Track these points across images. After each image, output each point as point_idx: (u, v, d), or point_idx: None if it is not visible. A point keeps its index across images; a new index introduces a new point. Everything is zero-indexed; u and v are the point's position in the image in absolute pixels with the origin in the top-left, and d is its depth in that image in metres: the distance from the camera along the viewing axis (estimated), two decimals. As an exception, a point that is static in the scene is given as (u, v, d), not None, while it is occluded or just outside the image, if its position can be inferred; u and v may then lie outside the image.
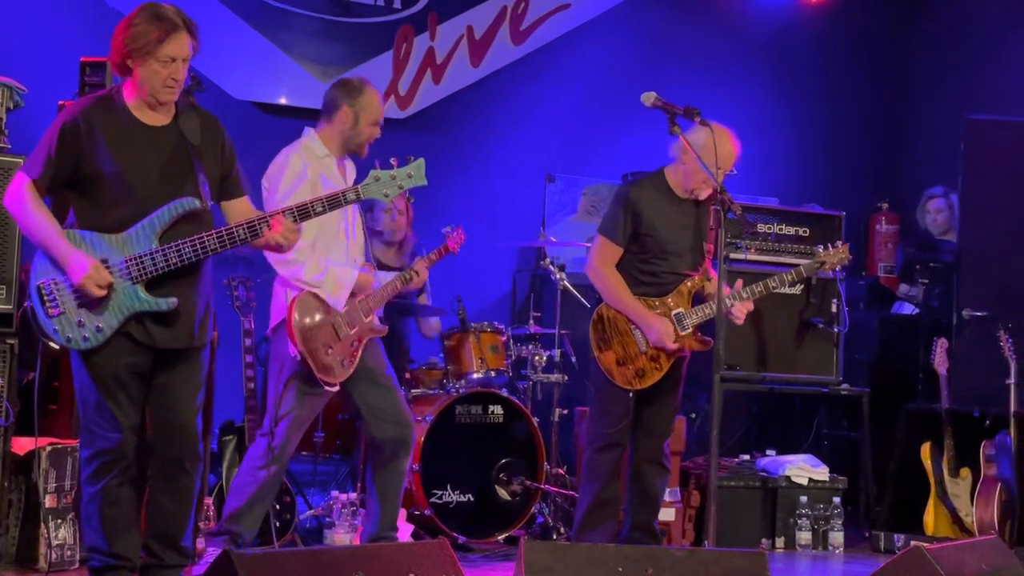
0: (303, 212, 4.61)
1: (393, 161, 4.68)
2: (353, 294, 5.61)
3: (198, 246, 4.48)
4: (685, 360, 6.04)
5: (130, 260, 4.46)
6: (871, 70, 10.11)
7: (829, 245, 6.22)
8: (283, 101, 8.28)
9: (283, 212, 4.60)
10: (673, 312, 5.92)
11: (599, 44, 9.25)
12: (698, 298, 6.00)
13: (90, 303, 4.44)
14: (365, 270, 5.71)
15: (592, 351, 5.98)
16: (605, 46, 9.28)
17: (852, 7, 9.97)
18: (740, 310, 5.93)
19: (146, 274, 4.47)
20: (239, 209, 4.75)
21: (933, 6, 9.93)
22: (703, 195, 5.91)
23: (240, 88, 8.06)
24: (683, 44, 9.52)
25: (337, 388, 5.63)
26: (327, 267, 5.54)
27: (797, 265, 6.25)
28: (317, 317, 5.52)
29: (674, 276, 5.95)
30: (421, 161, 4.64)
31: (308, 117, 7.80)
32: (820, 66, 9.95)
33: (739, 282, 5.95)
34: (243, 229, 4.52)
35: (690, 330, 5.91)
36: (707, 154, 5.63)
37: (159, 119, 4.61)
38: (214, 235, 4.50)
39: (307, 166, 5.56)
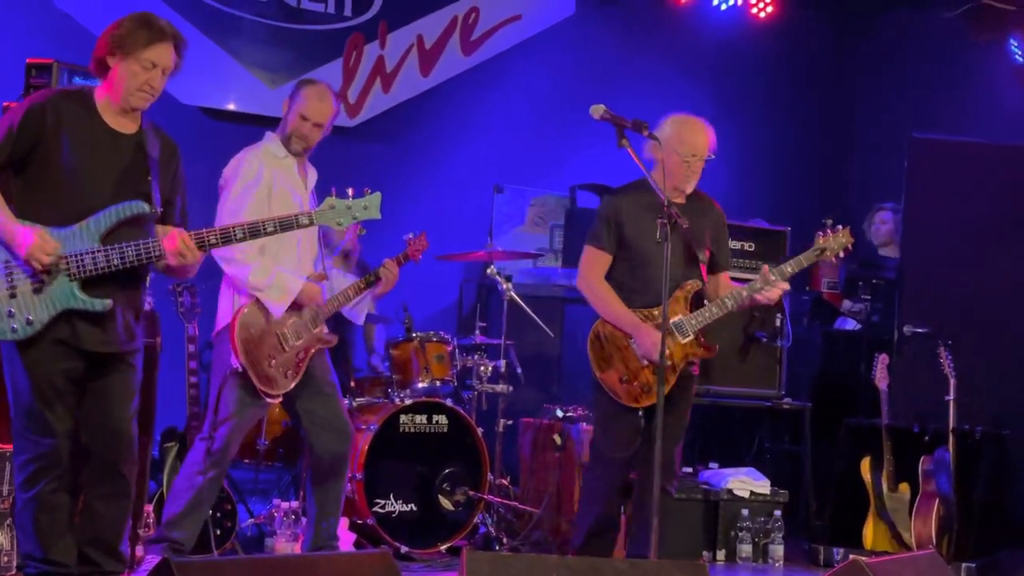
0: (253, 230, 4.64)
1: (349, 191, 4.73)
2: (298, 305, 5.58)
3: (142, 251, 4.48)
4: (694, 378, 5.86)
5: (70, 257, 4.43)
6: (818, 87, 10.21)
7: (828, 230, 5.89)
8: (231, 107, 8.24)
9: (233, 229, 4.61)
10: (672, 321, 5.64)
11: (549, 56, 9.28)
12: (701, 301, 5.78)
13: (27, 290, 4.40)
14: (315, 282, 5.69)
15: (593, 372, 5.74)
16: (555, 58, 9.31)
17: (800, 24, 10.06)
18: (775, 294, 5.75)
19: (85, 272, 4.44)
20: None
21: (879, 25, 10.04)
22: (689, 188, 5.81)
23: (188, 93, 8.01)
24: (632, 57, 9.57)
25: (279, 400, 5.61)
26: (275, 272, 5.52)
27: (746, 280, 6.18)
28: (262, 328, 5.49)
29: (671, 286, 5.59)
30: (377, 195, 4.74)
31: (256, 123, 7.78)
32: (767, 82, 10.03)
33: (765, 268, 5.78)
34: (134, 249, 4.50)
35: (691, 336, 5.69)
36: (678, 145, 5.68)
37: (124, 126, 4.62)
38: (196, 234, 4.54)
39: (263, 168, 5.57)
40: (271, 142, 5.71)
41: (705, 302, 5.78)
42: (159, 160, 4.65)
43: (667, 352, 5.50)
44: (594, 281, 5.81)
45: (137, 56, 4.52)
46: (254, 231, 4.64)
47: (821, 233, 5.87)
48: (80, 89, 4.67)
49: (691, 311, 5.72)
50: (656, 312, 5.63)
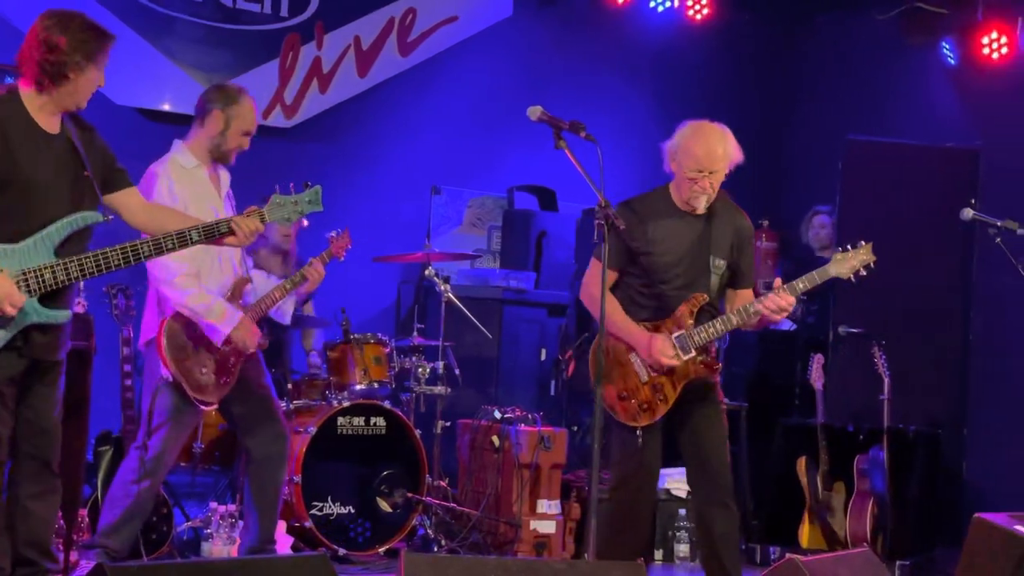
0: (209, 232, 4.62)
1: (291, 186, 4.82)
2: (228, 340, 5.54)
3: (100, 261, 4.43)
4: (715, 385, 5.50)
5: (28, 272, 4.37)
6: (753, 89, 10.28)
7: (848, 245, 5.42)
8: (167, 108, 8.16)
9: (189, 231, 4.58)
10: (674, 335, 5.34)
11: (486, 57, 9.29)
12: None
13: None
14: (243, 300, 5.64)
15: (593, 388, 5.39)
16: (492, 59, 9.31)
17: (735, 26, 10.12)
18: (780, 303, 5.27)
19: (45, 287, 4.39)
20: (135, 200, 4.73)
21: (813, 28, 10.12)
22: (699, 205, 5.37)
23: (122, 94, 7.93)
24: (569, 59, 9.60)
25: (215, 406, 5.58)
26: (214, 300, 5.47)
27: None
28: (189, 337, 5.45)
29: (679, 300, 5.38)
30: (318, 188, 4.82)
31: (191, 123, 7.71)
32: (703, 84, 10.08)
33: (777, 280, 5.36)
34: (198, 231, 4.58)
35: (692, 354, 5.32)
36: (683, 159, 5.33)
37: (54, 126, 4.56)
38: (154, 241, 4.51)
39: (173, 184, 5.47)
40: (179, 153, 5.60)
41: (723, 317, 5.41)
42: (87, 154, 4.59)
43: (668, 369, 5.35)
44: (594, 292, 5.40)
45: (98, 62, 4.55)
46: (209, 233, 4.61)
47: (840, 248, 5.46)
48: (7, 95, 4.57)
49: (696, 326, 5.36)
50: (661, 324, 5.39)
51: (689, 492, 7.31)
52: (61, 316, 4.46)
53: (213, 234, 4.63)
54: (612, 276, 5.46)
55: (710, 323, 5.35)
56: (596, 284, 5.38)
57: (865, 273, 5.44)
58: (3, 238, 4.38)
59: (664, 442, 5.55)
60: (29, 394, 4.57)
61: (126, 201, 4.70)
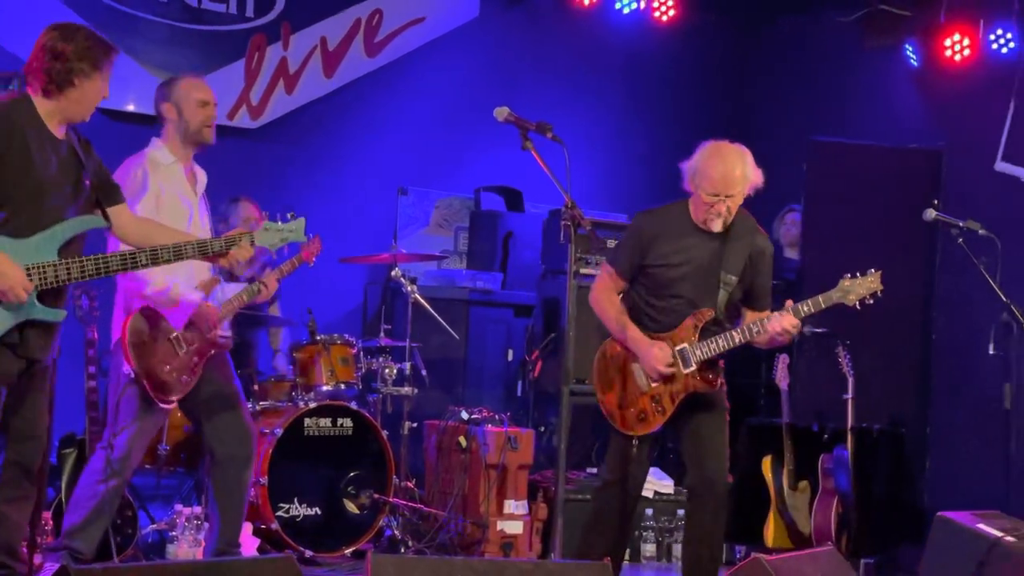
0: (203, 249, 4.84)
1: (277, 216, 5.16)
2: (193, 323, 5.54)
3: (100, 264, 4.54)
4: (720, 392, 5.49)
5: (32, 268, 4.43)
6: (720, 90, 10.31)
7: (857, 273, 5.43)
8: (131, 108, 8.12)
9: (184, 246, 4.76)
10: (677, 348, 5.38)
11: (453, 58, 9.29)
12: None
13: None
14: (210, 299, 5.65)
15: (596, 393, 5.55)
16: (459, 60, 9.32)
17: (701, 28, 10.15)
18: (777, 325, 5.32)
19: (46, 284, 4.47)
20: (126, 216, 4.87)
21: (778, 30, 10.15)
22: (715, 227, 5.39)
23: (87, 94, 7.89)
24: (536, 60, 9.61)
25: (174, 405, 5.57)
26: (171, 285, 5.48)
27: None
28: (153, 334, 5.45)
29: (686, 314, 5.41)
30: (302, 220, 5.18)
31: (158, 124, 7.67)
32: (670, 85, 10.11)
33: (788, 302, 5.37)
34: (192, 247, 4.78)
35: (693, 367, 5.36)
36: (701, 181, 5.34)
37: (61, 133, 4.65)
38: (152, 251, 4.67)
39: (148, 177, 5.51)
40: (156, 149, 5.65)
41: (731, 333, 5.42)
42: (87, 163, 4.69)
43: (668, 381, 5.39)
44: (601, 298, 5.52)
45: (103, 72, 4.66)
46: (203, 249, 4.88)
47: (849, 274, 5.44)
48: (21, 97, 4.64)
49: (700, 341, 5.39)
50: (666, 336, 5.41)
51: (657, 493, 7.39)
52: (59, 315, 4.54)
53: (207, 251, 4.85)
54: (621, 284, 5.54)
55: (713, 339, 5.38)
56: (601, 288, 5.53)
57: (872, 301, 5.42)
58: (11, 232, 4.44)
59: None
60: (19, 400, 4.62)
61: (118, 216, 4.81)
